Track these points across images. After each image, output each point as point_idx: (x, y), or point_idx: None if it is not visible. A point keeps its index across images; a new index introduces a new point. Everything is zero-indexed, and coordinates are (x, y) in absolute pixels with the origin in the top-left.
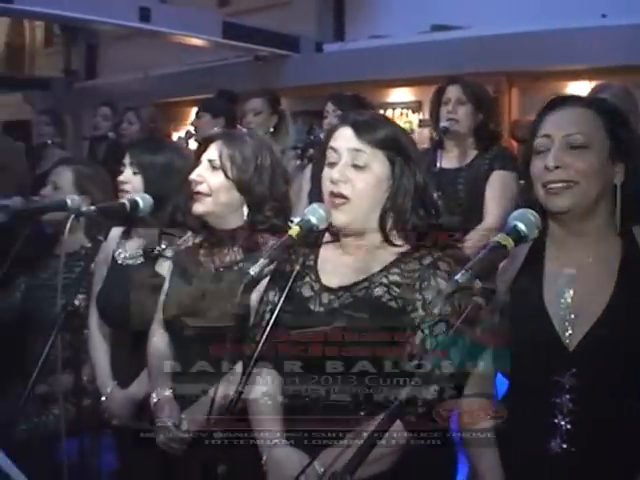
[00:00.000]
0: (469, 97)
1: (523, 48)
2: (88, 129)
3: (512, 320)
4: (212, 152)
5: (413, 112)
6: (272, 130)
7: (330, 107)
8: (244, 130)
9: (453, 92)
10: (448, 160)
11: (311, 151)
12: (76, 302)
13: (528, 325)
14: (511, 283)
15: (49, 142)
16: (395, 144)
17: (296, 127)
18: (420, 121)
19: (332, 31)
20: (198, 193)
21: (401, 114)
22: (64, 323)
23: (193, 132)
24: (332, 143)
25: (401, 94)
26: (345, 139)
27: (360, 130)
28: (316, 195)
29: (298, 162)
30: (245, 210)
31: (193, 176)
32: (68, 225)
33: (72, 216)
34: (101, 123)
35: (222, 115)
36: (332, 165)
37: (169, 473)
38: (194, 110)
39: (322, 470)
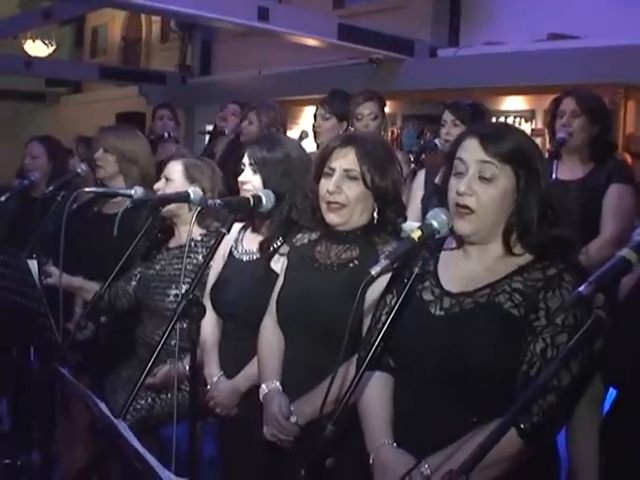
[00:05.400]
0: (584, 109)
1: None
2: (201, 124)
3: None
4: (348, 160)
5: (526, 121)
6: (383, 134)
7: (448, 116)
8: (371, 133)
9: (568, 104)
10: (564, 172)
11: (423, 156)
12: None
13: None
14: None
15: (165, 135)
16: (522, 157)
17: (407, 131)
18: (532, 130)
19: (447, 36)
20: (335, 203)
21: (513, 122)
22: (184, 311)
23: (308, 133)
24: (460, 154)
25: (514, 102)
26: (473, 151)
27: (487, 143)
28: (429, 200)
29: (412, 166)
30: (375, 214)
31: (331, 187)
32: (194, 217)
33: (198, 208)
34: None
35: (345, 118)
36: (459, 175)
37: (274, 465)
38: (306, 110)
39: (428, 472)
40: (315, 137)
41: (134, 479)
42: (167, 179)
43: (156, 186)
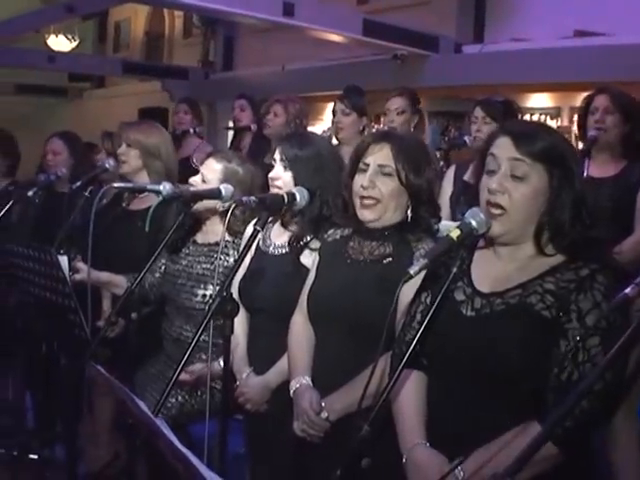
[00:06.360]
0: (617, 106)
1: None
2: (223, 119)
3: None
4: (383, 156)
5: (551, 118)
6: (412, 130)
7: (479, 113)
8: (404, 130)
9: (601, 101)
10: (595, 169)
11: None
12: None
13: None
14: None
15: (191, 131)
16: (554, 156)
17: (431, 127)
18: (558, 128)
19: (472, 32)
20: (368, 197)
21: (538, 120)
22: (218, 309)
23: (331, 131)
24: (492, 150)
25: (540, 99)
26: (505, 149)
27: (519, 141)
28: (458, 198)
29: (441, 163)
30: (408, 212)
31: (365, 182)
32: (229, 213)
33: (233, 205)
34: (240, 114)
35: (365, 113)
36: (491, 173)
37: (303, 461)
38: (329, 106)
39: (462, 474)
40: (336, 133)
41: (164, 477)
42: (203, 180)
43: (192, 180)
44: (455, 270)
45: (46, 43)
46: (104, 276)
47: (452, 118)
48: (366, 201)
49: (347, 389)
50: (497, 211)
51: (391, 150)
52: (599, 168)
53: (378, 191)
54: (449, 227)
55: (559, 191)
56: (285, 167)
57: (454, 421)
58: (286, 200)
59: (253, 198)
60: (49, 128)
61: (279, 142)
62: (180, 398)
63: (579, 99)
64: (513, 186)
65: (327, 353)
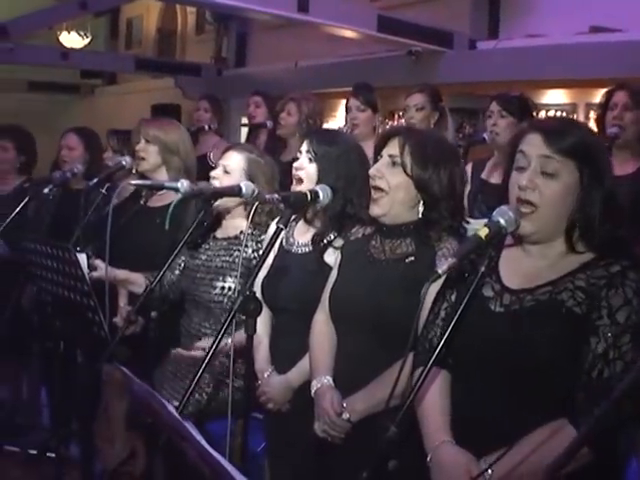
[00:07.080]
0: (636, 103)
1: None
2: (236, 116)
3: None
4: (393, 147)
5: (567, 115)
6: (432, 127)
7: (495, 107)
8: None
9: (620, 97)
10: (615, 167)
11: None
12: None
13: None
14: None
15: (206, 127)
16: (585, 153)
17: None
18: None
19: (486, 28)
20: (376, 188)
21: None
22: (241, 308)
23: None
24: (522, 147)
25: (555, 96)
26: (535, 145)
27: (550, 138)
28: (475, 196)
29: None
30: (421, 208)
31: (372, 171)
32: (252, 211)
33: (256, 202)
34: (255, 111)
35: (377, 110)
36: (521, 170)
37: (323, 461)
38: (343, 102)
39: (490, 472)
40: (351, 130)
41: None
42: (225, 170)
43: (213, 173)
44: (483, 270)
45: (58, 40)
46: (122, 274)
47: (466, 115)
48: (375, 194)
49: (369, 390)
50: (527, 209)
51: (399, 141)
52: (618, 166)
53: (385, 182)
54: (474, 226)
55: (589, 188)
56: (311, 159)
57: (480, 419)
58: (309, 197)
59: (276, 196)
60: (61, 125)
61: (307, 135)
62: (197, 396)
63: (595, 95)
64: (544, 183)
65: (349, 353)
